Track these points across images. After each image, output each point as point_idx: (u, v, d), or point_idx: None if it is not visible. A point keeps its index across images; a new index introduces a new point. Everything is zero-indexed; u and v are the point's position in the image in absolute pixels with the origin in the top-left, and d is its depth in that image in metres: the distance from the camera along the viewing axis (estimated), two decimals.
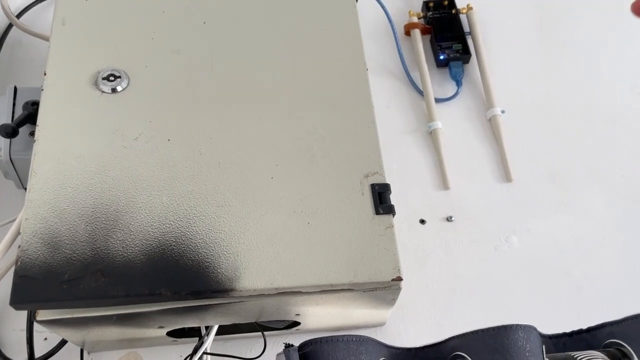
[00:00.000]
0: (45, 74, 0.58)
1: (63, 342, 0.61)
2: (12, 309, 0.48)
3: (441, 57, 0.84)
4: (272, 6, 0.65)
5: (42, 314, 0.50)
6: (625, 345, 0.52)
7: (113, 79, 0.58)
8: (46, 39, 0.78)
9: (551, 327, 0.56)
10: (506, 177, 0.77)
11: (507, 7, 0.92)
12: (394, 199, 0.56)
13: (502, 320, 0.53)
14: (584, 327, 0.56)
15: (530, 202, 0.76)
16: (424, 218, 0.74)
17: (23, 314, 0.62)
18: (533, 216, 0.75)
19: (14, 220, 0.58)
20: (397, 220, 0.55)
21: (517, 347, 0.50)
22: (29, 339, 0.61)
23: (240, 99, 0.59)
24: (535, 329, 0.52)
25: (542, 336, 0.53)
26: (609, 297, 0.70)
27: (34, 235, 0.50)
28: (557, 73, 0.87)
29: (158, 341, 0.61)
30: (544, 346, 0.52)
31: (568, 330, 0.56)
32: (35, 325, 0.61)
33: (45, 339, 0.63)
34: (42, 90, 0.57)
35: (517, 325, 0.51)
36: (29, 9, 0.86)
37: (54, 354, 0.61)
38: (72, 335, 0.56)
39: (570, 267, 0.71)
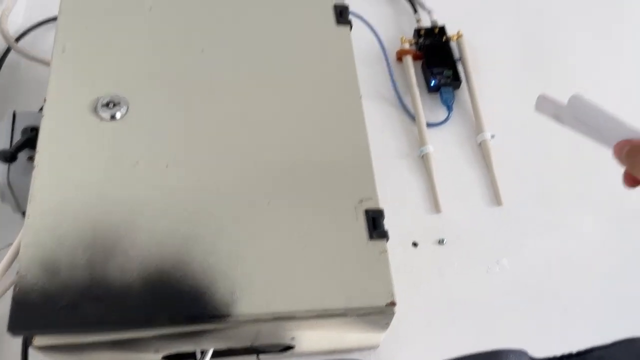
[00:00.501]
0: (45, 100, 0.59)
1: None
2: (6, 334, 0.48)
3: (432, 83, 0.86)
4: (268, 34, 0.67)
5: (39, 340, 0.50)
6: None
7: (112, 105, 0.59)
8: (45, 62, 0.80)
9: (542, 349, 0.57)
10: (496, 200, 0.79)
11: (496, 34, 0.95)
12: (386, 222, 0.57)
13: (494, 342, 0.54)
14: (574, 349, 0.57)
15: (520, 225, 0.77)
16: (416, 241, 0.75)
17: (17, 339, 0.62)
18: (523, 239, 0.76)
19: (11, 244, 0.58)
20: (389, 243, 0.56)
21: None
22: None
23: (238, 126, 0.60)
24: (526, 353, 0.53)
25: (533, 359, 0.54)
26: (598, 319, 0.71)
27: (32, 261, 0.50)
28: None
29: None
30: None
31: (558, 353, 0.57)
32: (30, 351, 0.60)
33: None
34: (42, 116, 0.58)
35: (508, 350, 0.52)
36: (28, 33, 0.87)
37: None
38: None
39: (559, 289, 0.73)
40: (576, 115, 0.44)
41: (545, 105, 0.47)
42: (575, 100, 0.44)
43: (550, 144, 0.85)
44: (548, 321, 0.71)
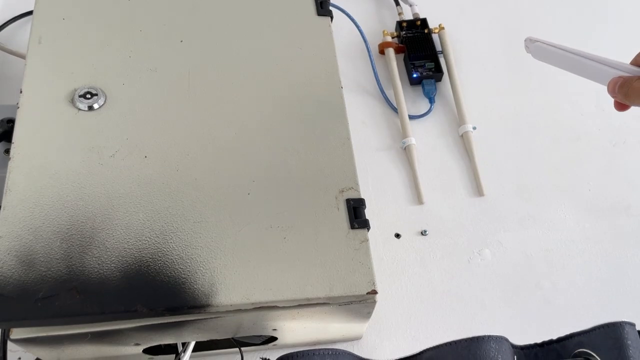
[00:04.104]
0: (21, 92, 0.58)
1: None
2: None
3: (414, 76, 0.87)
4: (248, 25, 0.67)
5: (17, 332, 0.50)
6: (594, 355, 0.54)
7: (90, 96, 0.58)
8: (22, 56, 0.79)
9: (523, 337, 0.57)
10: (478, 191, 0.79)
11: (477, 27, 0.95)
12: (369, 214, 0.57)
13: (475, 331, 0.54)
14: (554, 337, 0.57)
15: (501, 216, 0.78)
16: (399, 232, 0.75)
17: None
18: (504, 230, 0.77)
19: None
20: (372, 234, 0.56)
21: (489, 358, 0.51)
22: (2, 358, 0.60)
23: (217, 116, 0.60)
24: (506, 339, 0.54)
25: (514, 347, 0.55)
26: (577, 307, 0.72)
27: (8, 253, 0.50)
28: (526, 90, 0.90)
29: (134, 359, 0.61)
30: (515, 357, 0.54)
31: (539, 340, 0.58)
32: (9, 344, 0.60)
33: (19, 358, 0.62)
34: (18, 107, 0.57)
35: (489, 337, 0.52)
36: (4, 27, 0.85)
37: None
38: (46, 354, 0.55)
39: (540, 279, 0.73)
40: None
41: (534, 47, 0.49)
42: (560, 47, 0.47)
43: (531, 135, 0.85)
44: (529, 310, 0.71)
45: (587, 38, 0.96)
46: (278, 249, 0.53)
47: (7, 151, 0.61)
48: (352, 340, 0.67)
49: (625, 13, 1.00)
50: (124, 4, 0.65)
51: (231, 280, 0.51)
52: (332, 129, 0.61)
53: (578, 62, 0.46)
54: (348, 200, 0.57)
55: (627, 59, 0.97)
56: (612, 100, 0.89)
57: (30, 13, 0.86)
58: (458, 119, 0.85)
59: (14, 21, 0.86)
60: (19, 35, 0.86)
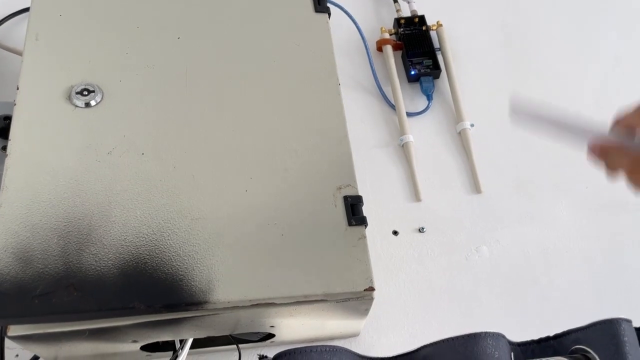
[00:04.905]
0: (18, 89, 0.58)
1: (35, 358, 0.61)
2: None
3: (412, 73, 0.86)
4: (245, 22, 0.66)
5: (14, 330, 0.50)
6: (590, 351, 0.54)
7: (87, 93, 0.58)
8: (19, 53, 0.78)
9: (520, 334, 0.57)
10: (476, 188, 0.79)
11: (475, 24, 0.95)
12: (367, 211, 0.57)
13: (473, 328, 0.54)
14: (551, 334, 0.58)
15: (499, 213, 0.78)
16: (396, 229, 0.75)
17: None
18: (502, 227, 0.77)
19: None
20: (370, 231, 0.56)
21: (486, 355, 0.52)
22: None
23: (214, 113, 0.60)
24: (503, 336, 0.54)
25: (511, 343, 0.55)
26: (574, 304, 0.72)
27: (5, 250, 0.49)
28: (523, 87, 0.90)
29: (132, 356, 0.61)
30: (512, 353, 0.54)
31: (536, 337, 0.58)
32: (7, 341, 0.60)
33: (17, 355, 0.62)
34: (15, 104, 0.57)
35: (485, 333, 0.52)
36: (2, 23, 0.85)
37: None
38: (44, 351, 0.55)
39: (537, 276, 0.73)
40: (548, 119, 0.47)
41: (521, 110, 0.49)
42: (543, 107, 0.47)
43: (528, 133, 0.85)
44: (526, 307, 0.72)
45: (587, 34, 0.96)
46: (275, 246, 0.53)
47: (4, 148, 0.60)
48: (350, 337, 0.67)
49: (625, 10, 1.00)
50: (120, 0, 0.65)
51: (229, 277, 0.51)
52: (329, 126, 0.61)
53: (559, 123, 0.46)
54: (346, 197, 0.57)
55: (626, 59, 0.96)
56: (609, 97, 0.89)
57: (26, 10, 0.86)
58: (456, 116, 0.85)
59: (11, 18, 0.86)
60: (15, 32, 0.86)
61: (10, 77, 0.79)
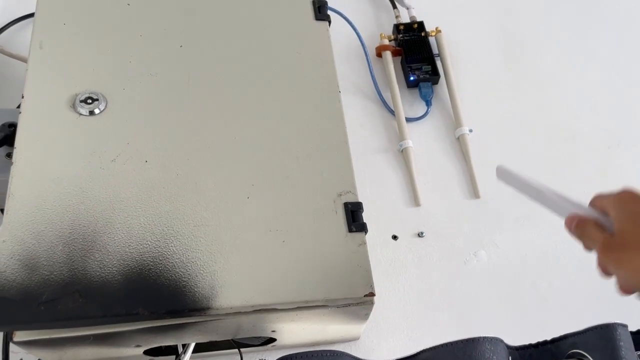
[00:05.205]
0: (22, 97, 0.59)
1: None
2: None
3: (411, 78, 0.87)
4: (246, 29, 0.67)
5: (19, 335, 0.50)
6: (587, 355, 0.55)
7: (91, 101, 0.59)
8: (22, 59, 0.79)
9: (518, 338, 0.58)
10: (474, 193, 0.80)
11: (474, 30, 0.96)
12: (367, 215, 0.58)
13: (472, 332, 0.55)
14: (549, 338, 0.58)
15: (497, 218, 0.79)
16: (396, 234, 0.76)
17: None
18: (500, 231, 0.78)
19: None
20: (370, 236, 0.57)
21: (484, 359, 0.52)
22: None
23: (216, 121, 0.61)
24: (501, 341, 0.54)
25: (509, 348, 0.56)
26: (572, 308, 0.72)
27: (11, 257, 0.50)
28: (522, 93, 0.91)
29: None
30: (510, 357, 0.55)
31: (533, 341, 0.58)
32: (11, 346, 0.60)
33: (21, 359, 0.63)
34: (20, 112, 0.58)
35: (484, 338, 0.53)
36: (5, 29, 0.86)
37: None
38: (48, 355, 0.56)
39: (535, 280, 0.74)
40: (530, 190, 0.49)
41: (504, 174, 0.52)
42: (525, 178, 0.49)
43: (526, 137, 0.86)
44: (524, 311, 0.72)
45: (584, 40, 0.97)
46: (277, 252, 0.54)
47: (9, 155, 0.61)
48: (350, 341, 0.68)
49: (622, 16, 1.01)
50: (124, 9, 0.66)
51: (231, 283, 0.52)
52: (330, 132, 0.62)
53: (541, 192, 0.48)
54: (346, 204, 0.57)
55: (623, 60, 0.97)
56: (607, 102, 0.90)
57: (29, 16, 0.86)
58: (455, 121, 0.86)
59: (14, 24, 0.87)
60: (19, 38, 0.86)
61: (13, 83, 0.80)
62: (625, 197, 0.43)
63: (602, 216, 0.44)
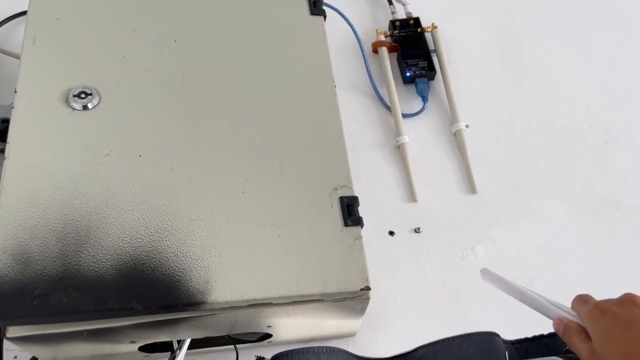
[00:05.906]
0: (15, 91, 0.58)
1: None
2: None
3: (408, 74, 0.87)
4: (241, 25, 0.67)
5: (12, 331, 0.50)
6: None
7: (84, 96, 0.58)
8: (16, 56, 0.79)
9: (515, 333, 0.58)
10: (471, 189, 0.80)
11: (470, 26, 0.96)
12: (363, 211, 0.57)
13: (468, 327, 0.55)
14: (545, 332, 0.58)
15: (494, 213, 0.78)
16: (392, 229, 0.76)
17: None
18: (497, 226, 0.77)
19: None
20: (366, 232, 0.57)
21: (481, 354, 0.52)
22: None
23: (211, 115, 0.60)
24: (498, 335, 0.54)
25: (505, 342, 0.55)
26: (568, 303, 0.72)
27: (3, 252, 0.50)
28: (518, 89, 0.90)
29: (130, 357, 0.61)
30: (506, 352, 0.54)
31: (530, 335, 0.58)
32: (5, 343, 0.60)
33: (16, 357, 0.62)
34: (13, 107, 0.57)
35: (480, 333, 0.53)
36: None
37: None
38: (42, 352, 0.55)
39: (532, 275, 0.74)
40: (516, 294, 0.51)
41: (489, 277, 0.52)
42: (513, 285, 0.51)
43: (523, 133, 0.86)
44: (521, 306, 0.72)
45: (581, 36, 0.97)
46: (272, 246, 0.54)
47: (2, 151, 0.61)
48: (347, 336, 0.68)
49: (618, 12, 1.01)
50: (118, 4, 0.66)
51: (226, 278, 0.52)
52: (325, 127, 0.61)
53: (524, 294, 0.50)
54: (342, 198, 0.57)
55: (620, 62, 0.97)
56: (603, 98, 0.90)
57: (23, 13, 0.86)
58: (451, 117, 0.86)
59: (8, 21, 0.86)
60: (13, 35, 0.86)
61: (7, 80, 0.80)
62: (596, 313, 0.43)
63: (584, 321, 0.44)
